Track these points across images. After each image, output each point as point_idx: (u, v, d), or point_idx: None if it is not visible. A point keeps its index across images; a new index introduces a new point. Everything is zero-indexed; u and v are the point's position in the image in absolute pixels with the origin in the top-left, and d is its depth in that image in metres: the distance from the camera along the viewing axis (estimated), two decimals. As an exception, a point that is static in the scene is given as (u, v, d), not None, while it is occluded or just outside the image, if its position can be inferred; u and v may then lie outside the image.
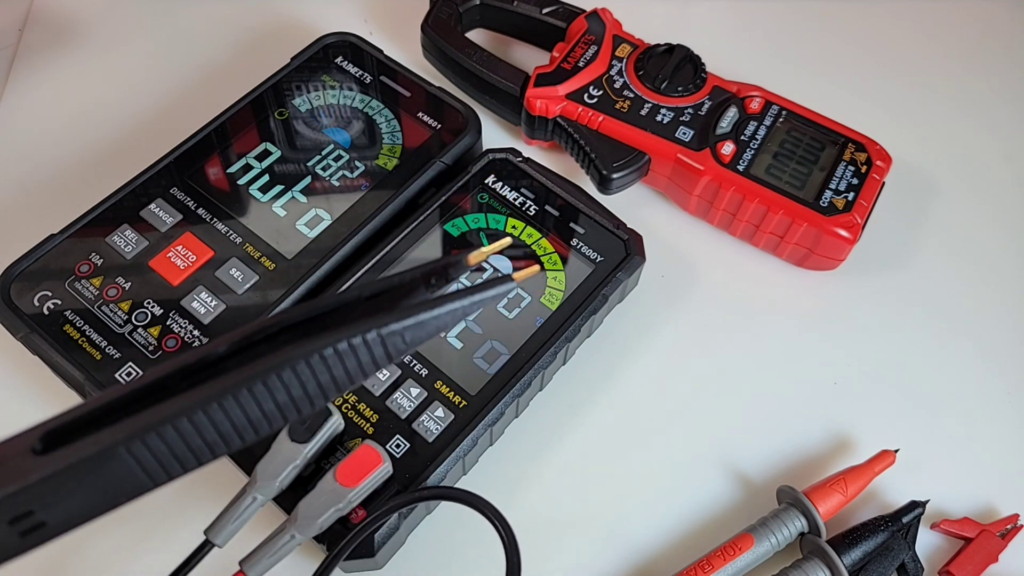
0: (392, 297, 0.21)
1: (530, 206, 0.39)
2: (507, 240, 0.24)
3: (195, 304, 0.36)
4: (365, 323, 0.19)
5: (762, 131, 0.41)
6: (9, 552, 0.18)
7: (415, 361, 0.35)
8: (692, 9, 0.52)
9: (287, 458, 0.30)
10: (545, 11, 0.45)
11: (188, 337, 0.35)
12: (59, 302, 0.35)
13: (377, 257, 0.37)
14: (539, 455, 0.37)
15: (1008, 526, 0.34)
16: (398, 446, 0.33)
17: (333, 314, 0.20)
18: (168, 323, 0.35)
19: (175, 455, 0.18)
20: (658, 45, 0.43)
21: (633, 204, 0.43)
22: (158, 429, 0.18)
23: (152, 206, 0.38)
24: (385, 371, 0.34)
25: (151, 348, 0.34)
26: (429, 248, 0.38)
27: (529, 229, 0.39)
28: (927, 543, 0.35)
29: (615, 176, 0.41)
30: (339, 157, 0.40)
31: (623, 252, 0.38)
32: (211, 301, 0.36)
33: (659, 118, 0.42)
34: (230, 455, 0.33)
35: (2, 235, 0.41)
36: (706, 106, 0.42)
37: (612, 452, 0.37)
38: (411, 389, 0.34)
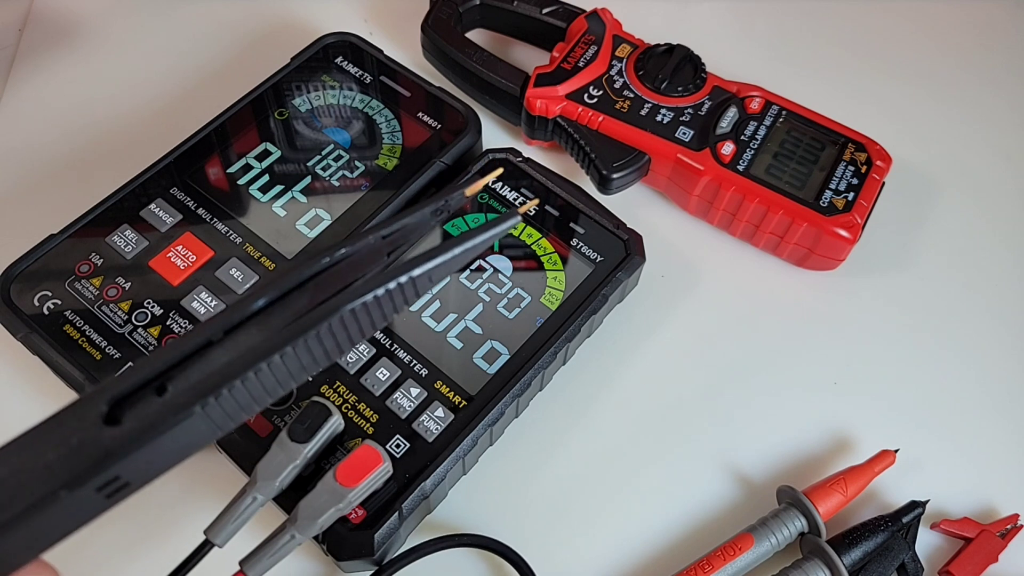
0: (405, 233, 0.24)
1: (531, 209, 0.39)
2: (499, 170, 0.27)
3: (195, 304, 0.36)
4: (397, 270, 0.21)
5: (762, 131, 0.41)
6: (97, 512, 0.19)
7: (415, 361, 0.35)
8: (692, 9, 0.52)
9: (287, 458, 0.30)
10: (545, 11, 0.45)
11: (188, 337, 0.35)
12: (59, 302, 0.35)
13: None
14: (539, 455, 0.37)
15: (1008, 526, 0.34)
16: (398, 446, 0.33)
17: (356, 260, 0.23)
18: (168, 323, 0.35)
19: (241, 406, 0.20)
20: (658, 45, 0.43)
21: (633, 204, 0.43)
22: (229, 385, 0.19)
23: (152, 206, 0.38)
24: (385, 371, 0.34)
25: (151, 348, 0.34)
26: (429, 246, 0.38)
27: (529, 229, 0.39)
28: (927, 543, 0.35)
29: (615, 176, 0.41)
30: (339, 157, 0.40)
31: (623, 252, 0.38)
32: (211, 301, 0.36)
33: (659, 118, 0.42)
34: (231, 455, 0.33)
35: (2, 235, 0.41)
36: (706, 106, 0.42)
37: (612, 452, 0.37)
38: (411, 389, 0.34)
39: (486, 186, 0.40)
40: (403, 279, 0.21)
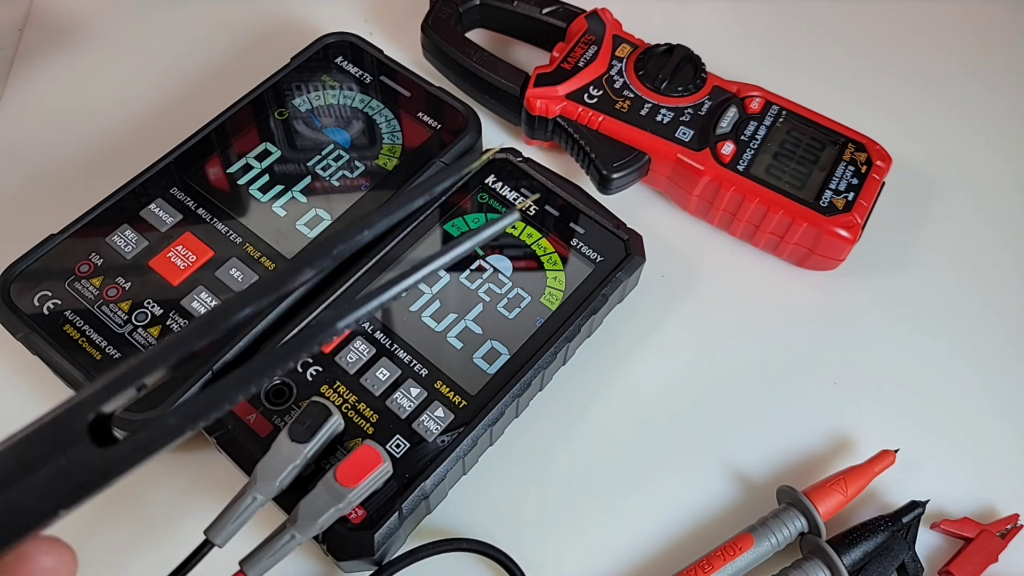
0: None
1: (530, 206, 0.39)
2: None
3: (195, 304, 0.36)
4: (410, 271, 0.22)
5: (762, 131, 0.41)
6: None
7: (415, 361, 0.35)
8: (692, 9, 0.52)
9: (287, 458, 0.30)
10: (545, 11, 0.45)
11: (188, 337, 0.35)
12: (59, 302, 0.35)
13: (377, 257, 0.37)
14: (539, 455, 0.37)
15: (1008, 526, 0.34)
16: (398, 446, 0.33)
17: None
18: (168, 323, 0.35)
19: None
20: (658, 45, 0.43)
21: (633, 204, 0.43)
22: (219, 409, 0.20)
23: (152, 206, 0.38)
24: (385, 371, 0.34)
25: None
26: (429, 248, 0.38)
27: (529, 229, 0.39)
28: (927, 543, 0.35)
29: (615, 176, 0.41)
30: (339, 157, 0.40)
31: (623, 252, 0.38)
32: (211, 301, 0.36)
33: (659, 118, 0.42)
34: (231, 455, 0.33)
35: (2, 235, 0.41)
36: (706, 106, 0.42)
37: (612, 452, 0.37)
38: (411, 389, 0.34)
39: (485, 185, 0.40)
40: (373, 305, 0.21)
